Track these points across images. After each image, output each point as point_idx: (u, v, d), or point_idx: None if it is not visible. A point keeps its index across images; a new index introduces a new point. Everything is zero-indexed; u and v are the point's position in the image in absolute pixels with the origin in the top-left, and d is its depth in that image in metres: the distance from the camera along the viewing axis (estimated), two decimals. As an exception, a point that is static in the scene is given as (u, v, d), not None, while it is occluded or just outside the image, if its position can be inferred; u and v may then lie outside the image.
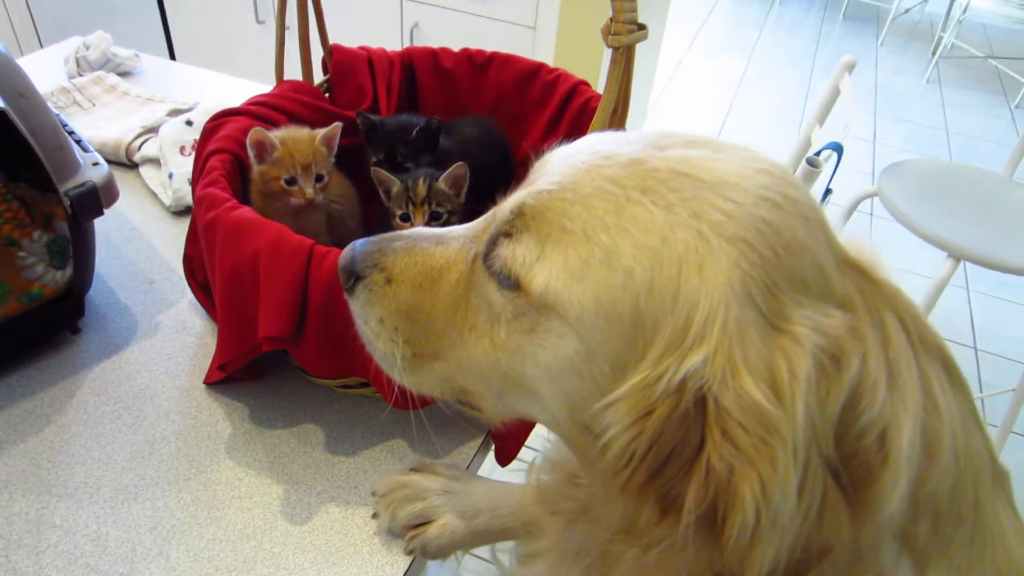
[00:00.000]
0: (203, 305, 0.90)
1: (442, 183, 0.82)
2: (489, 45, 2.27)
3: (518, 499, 0.73)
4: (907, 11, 5.10)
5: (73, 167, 0.81)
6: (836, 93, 1.43)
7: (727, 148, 0.44)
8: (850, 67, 1.39)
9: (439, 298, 0.50)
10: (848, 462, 0.40)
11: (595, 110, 0.95)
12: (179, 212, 1.06)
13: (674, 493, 0.40)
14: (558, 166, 0.45)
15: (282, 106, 0.88)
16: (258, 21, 2.66)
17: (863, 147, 3.57)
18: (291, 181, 0.79)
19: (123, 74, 1.37)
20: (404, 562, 0.69)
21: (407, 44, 2.42)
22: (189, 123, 1.14)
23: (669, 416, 0.38)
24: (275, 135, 0.79)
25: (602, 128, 0.72)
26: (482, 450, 0.81)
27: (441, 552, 0.70)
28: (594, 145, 0.46)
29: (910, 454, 0.39)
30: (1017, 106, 4.14)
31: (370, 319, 0.53)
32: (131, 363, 0.84)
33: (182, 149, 1.11)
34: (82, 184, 0.79)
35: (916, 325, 0.43)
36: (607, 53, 2.29)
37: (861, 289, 0.43)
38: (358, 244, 0.54)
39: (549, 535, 0.60)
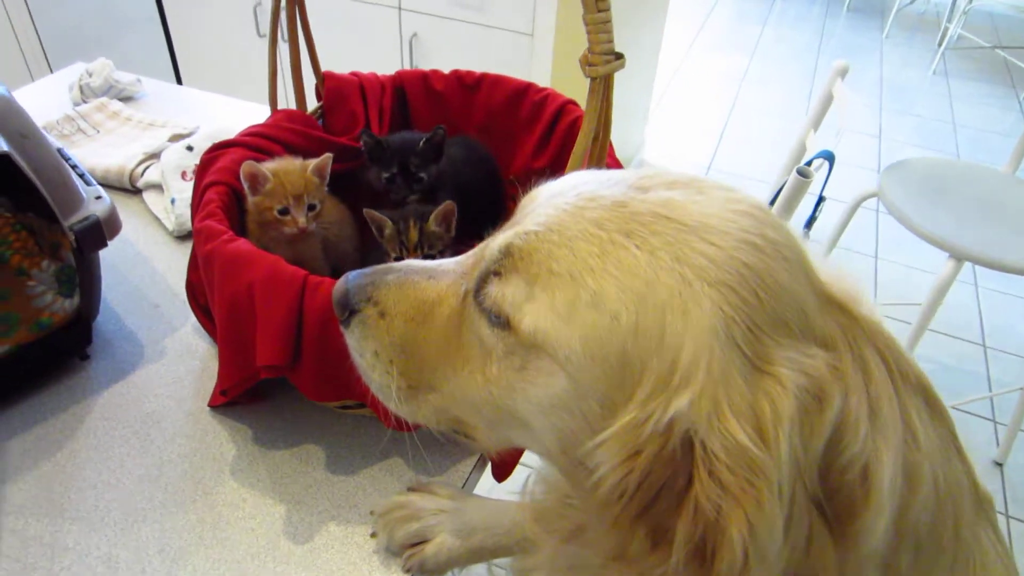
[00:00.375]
0: (206, 329, 0.92)
1: (432, 224, 0.84)
2: (487, 53, 2.30)
3: (512, 517, 0.75)
4: (912, 2, 5.08)
5: (77, 202, 0.83)
6: (830, 98, 1.44)
7: (709, 189, 0.45)
8: (843, 72, 1.40)
9: (432, 332, 0.52)
10: (832, 496, 0.41)
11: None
12: (182, 237, 1.09)
13: (664, 526, 0.41)
14: (543, 207, 0.47)
15: (277, 136, 0.90)
16: (259, 35, 2.69)
17: (868, 142, 3.56)
18: (284, 211, 0.82)
19: (126, 99, 1.40)
20: (402, 579, 0.71)
21: (406, 54, 2.45)
22: (190, 148, 1.17)
23: (657, 455, 0.40)
24: (267, 167, 0.82)
25: (584, 154, 0.74)
26: (479, 467, 0.83)
27: (438, 569, 0.73)
28: (577, 186, 0.47)
29: (891, 488, 0.41)
30: (1025, 96, 4.11)
31: (365, 352, 0.55)
32: (138, 388, 0.87)
33: (183, 174, 1.13)
34: (85, 218, 0.82)
35: (896, 359, 0.45)
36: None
37: (842, 326, 0.44)
38: (351, 277, 0.56)
39: (543, 552, 0.62)
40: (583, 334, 0.42)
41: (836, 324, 0.44)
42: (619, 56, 0.71)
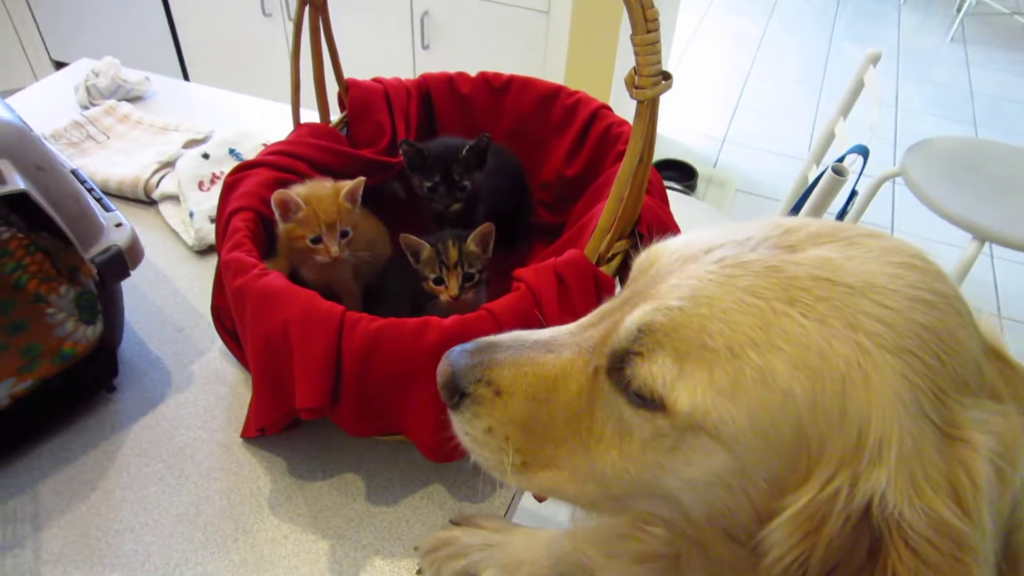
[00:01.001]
0: (234, 354, 0.90)
1: (471, 243, 0.82)
2: (501, 32, 2.24)
3: (559, 548, 0.73)
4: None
5: (97, 232, 0.80)
6: (860, 86, 1.39)
7: (859, 239, 0.43)
8: (874, 59, 1.35)
9: (557, 409, 0.49)
10: (1005, 559, 0.40)
11: (617, 136, 0.94)
12: (202, 252, 1.06)
13: None
14: (679, 276, 0.44)
15: (301, 153, 0.86)
16: (264, 14, 2.63)
17: (885, 111, 3.48)
18: (316, 240, 0.79)
19: (134, 99, 1.36)
20: (451, 620, 0.70)
21: (417, 33, 2.38)
22: (206, 156, 1.13)
23: (840, 531, 0.38)
24: (297, 191, 0.79)
25: (628, 180, 0.71)
26: (520, 491, 0.81)
27: (486, 608, 0.71)
28: (713, 250, 0.44)
29: None
30: (1044, 61, 4.02)
31: (476, 430, 0.51)
32: (168, 419, 0.85)
33: (200, 184, 1.10)
34: (107, 249, 0.79)
35: None
36: (621, 38, 2.23)
37: (1004, 376, 0.42)
38: (454, 356, 0.52)
39: (609, 572, 0.61)
40: (751, 412, 0.39)
41: (999, 373, 0.42)
42: (667, 76, 0.67)
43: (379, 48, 2.45)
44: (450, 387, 0.51)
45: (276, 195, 0.76)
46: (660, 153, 3.03)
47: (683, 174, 2.84)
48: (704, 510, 0.44)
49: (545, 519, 1.51)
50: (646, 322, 0.43)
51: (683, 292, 0.42)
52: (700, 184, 2.89)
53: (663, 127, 3.28)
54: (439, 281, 0.81)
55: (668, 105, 3.35)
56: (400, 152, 0.91)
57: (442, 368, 0.52)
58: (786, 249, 0.42)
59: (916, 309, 0.39)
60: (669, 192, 0.89)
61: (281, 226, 0.79)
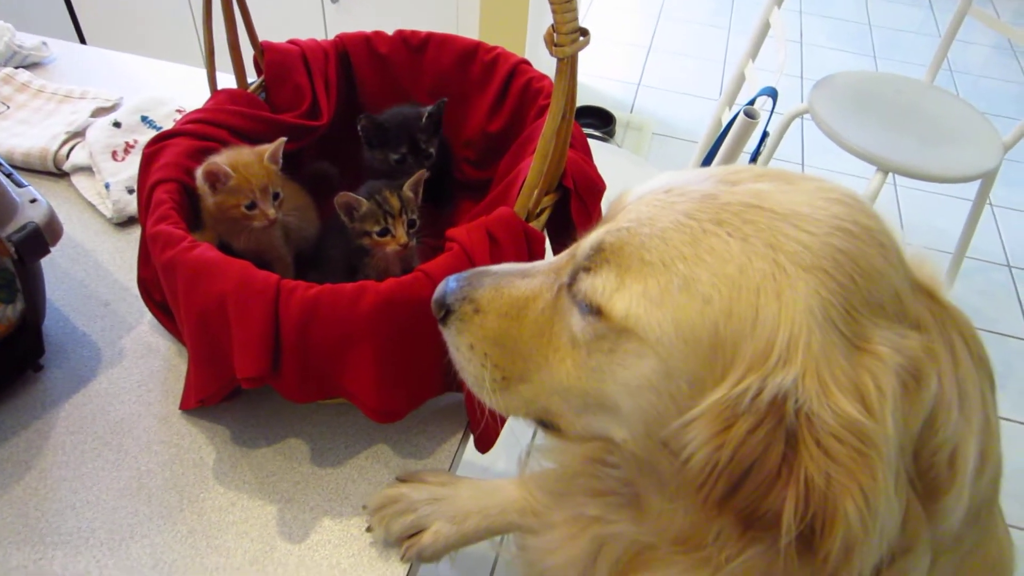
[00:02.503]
0: (165, 326, 0.89)
1: (408, 190, 0.83)
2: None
3: (505, 497, 0.77)
4: None
5: (11, 209, 0.77)
6: (767, 27, 1.44)
7: (798, 180, 0.47)
8: (778, 1, 1.39)
9: (525, 326, 0.54)
10: (922, 476, 0.44)
11: (538, 91, 0.95)
12: (122, 223, 1.03)
13: (756, 507, 0.43)
14: (633, 204, 0.49)
15: (221, 121, 0.85)
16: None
17: (790, 48, 3.58)
18: (251, 206, 0.78)
19: (31, 66, 1.29)
20: (403, 568, 0.73)
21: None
22: (117, 124, 1.09)
23: (751, 431, 0.42)
24: (220, 160, 0.77)
25: (552, 135, 0.73)
26: (463, 443, 0.84)
27: (436, 556, 0.75)
28: (667, 184, 0.49)
29: (973, 471, 0.44)
30: (935, -7, 4.19)
31: (461, 346, 0.57)
32: (101, 395, 0.84)
33: (114, 154, 1.06)
34: (23, 227, 0.77)
35: (975, 346, 0.48)
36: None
37: (931, 311, 0.46)
38: (450, 281, 0.59)
39: (560, 511, 0.65)
40: (675, 317, 0.44)
41: (926, 309, 0.46)
42: (584, 32, 0.69)
43: (285, 3, 2.36)
44: (439, 302, 0.58)
45: (204, 167, 0.75)
46: (577, 100, 3.04)
47: (601, 120, 2.87)
48: (640, 417, 0.48)
49: (485, 469, 1.56)
50: (598, 241, 0.48)
51: (631, 215, 0.47)
52: (618, 130, 2.93)
53: (579, 74, 3.29)
54: (385, 232, 0.82)
55: (583, 51, 3.35)
56: (358, 129, 0.90)
57: (438, 288, 0.59)
58: (728, 183, 0.46)
59: (835, 235, 0.43)
60: (588, 140, 0.91)
61: (210, 199, 0.78)
